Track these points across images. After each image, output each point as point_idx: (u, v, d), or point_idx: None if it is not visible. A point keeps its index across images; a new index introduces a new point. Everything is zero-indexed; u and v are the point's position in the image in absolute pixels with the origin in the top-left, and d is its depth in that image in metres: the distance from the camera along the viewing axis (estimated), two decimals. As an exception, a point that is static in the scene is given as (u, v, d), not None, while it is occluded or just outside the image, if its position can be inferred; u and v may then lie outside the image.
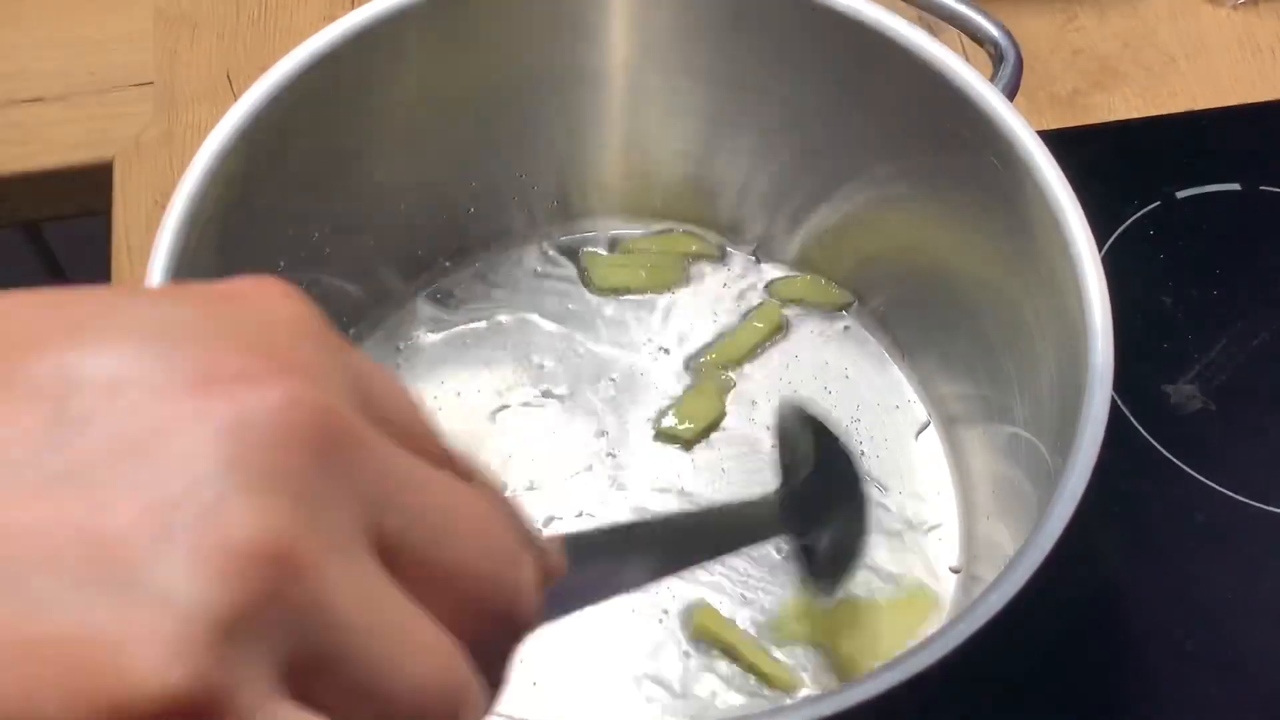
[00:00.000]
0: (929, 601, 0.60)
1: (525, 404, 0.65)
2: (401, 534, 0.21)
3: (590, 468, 0.63)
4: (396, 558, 0.21)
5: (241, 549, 0.19)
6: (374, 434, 0.21)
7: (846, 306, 0.68)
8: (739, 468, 0.64)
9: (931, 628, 0.58)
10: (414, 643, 0.21)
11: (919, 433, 0.65)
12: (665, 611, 0.59)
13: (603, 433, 0.64)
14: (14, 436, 0.19)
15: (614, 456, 0.64)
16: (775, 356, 0.67)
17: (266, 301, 0.22)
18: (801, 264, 0.69)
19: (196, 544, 0.18)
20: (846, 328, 0.68)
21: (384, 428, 0.22)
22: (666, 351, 0.67)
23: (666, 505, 0.62)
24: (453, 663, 0.22)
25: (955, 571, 0.61)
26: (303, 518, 0.19)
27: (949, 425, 0.64)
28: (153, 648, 0.18)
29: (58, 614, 0.18)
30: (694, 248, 0.70)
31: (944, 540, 0.62)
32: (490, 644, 0.23)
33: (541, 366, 0.66)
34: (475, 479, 0.24)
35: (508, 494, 0.25)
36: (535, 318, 0.68)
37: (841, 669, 0.58)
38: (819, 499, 0.55)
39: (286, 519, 0.19)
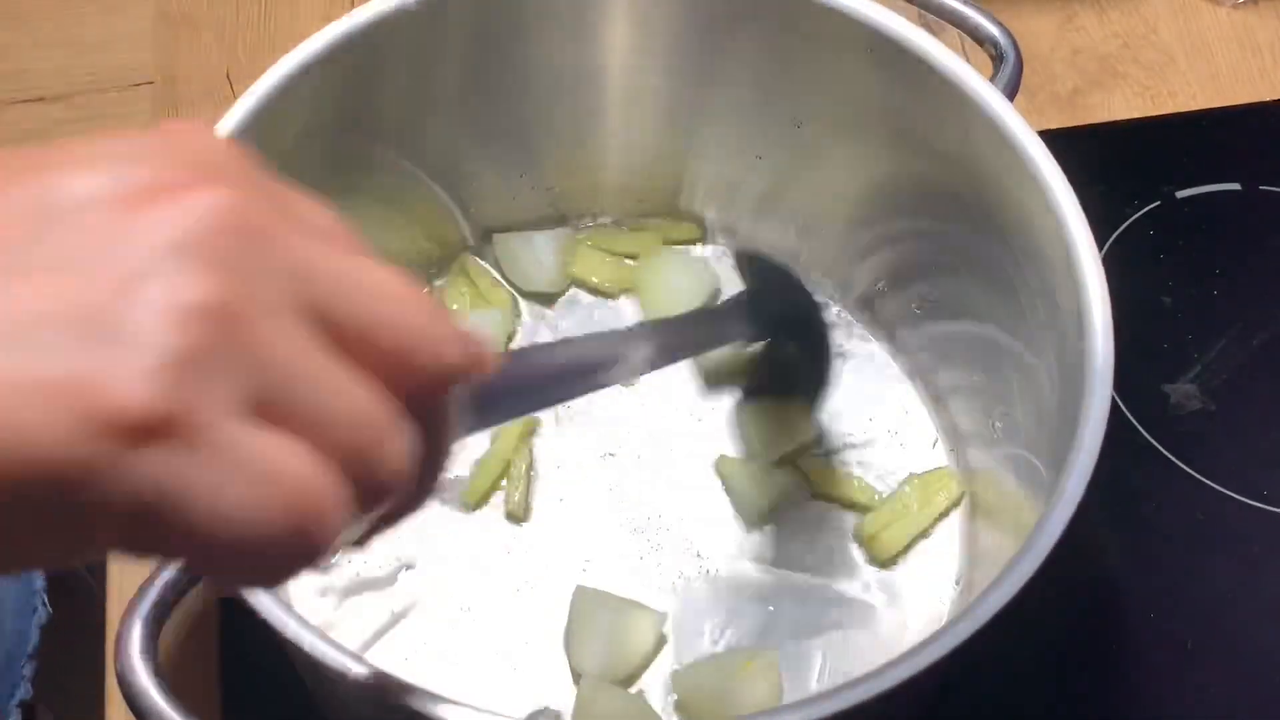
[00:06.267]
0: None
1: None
2: (327, 303, 0.27)
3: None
4: (327, 321, 0.27)
5: (191, 305, 0.25)
6: (292, 228, 0.27)
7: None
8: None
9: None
10: (343, 383, 0.27)
11: (919, 438, 0.65)
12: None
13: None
14: (7, 238, 0.25)
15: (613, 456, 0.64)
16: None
17: (199, 135, 0.28)
18: (797, 260, 0.69)
19: (158, 304, 0.24)
20: (845, 324, 0.68)
21: (304, 228, 0.28)
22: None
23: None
24: (377, 399, 0.27)
25: (957, 582, 0.61)
26: (237, 284, 0.25)
27: (949, 426, 0.64)
28: (129, 376, 0.24)
29: (61, 358, 0.24)
30: (681, 236, 0.70)
31: (945, 540, 0.62)
32: (425, 391, 0.29)
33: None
34: (394, 271, 0.30)
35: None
36: (534, 316, 0.68)
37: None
38: (779, 314, 0.61)
39: (224, 284, 0.25)
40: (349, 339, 0.27)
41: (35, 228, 0.25)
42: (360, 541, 0.33)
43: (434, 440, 0.31)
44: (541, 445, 0.64)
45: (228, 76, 0.75)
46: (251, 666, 0.59)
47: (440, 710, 0.42)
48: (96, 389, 0.24)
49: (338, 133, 0.59)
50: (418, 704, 0.42)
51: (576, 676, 0.58)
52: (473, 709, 0.42)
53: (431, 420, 0.30)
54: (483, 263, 0.69)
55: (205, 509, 0.24)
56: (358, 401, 0.27)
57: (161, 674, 0.45)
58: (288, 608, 0.44)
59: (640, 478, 0.63)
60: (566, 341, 0.49)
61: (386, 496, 0.28)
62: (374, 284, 0.28)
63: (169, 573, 0.47)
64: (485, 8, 0.59)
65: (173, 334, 0.24)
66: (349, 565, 0.60)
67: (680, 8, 0.60)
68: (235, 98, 0.54)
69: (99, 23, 0.77)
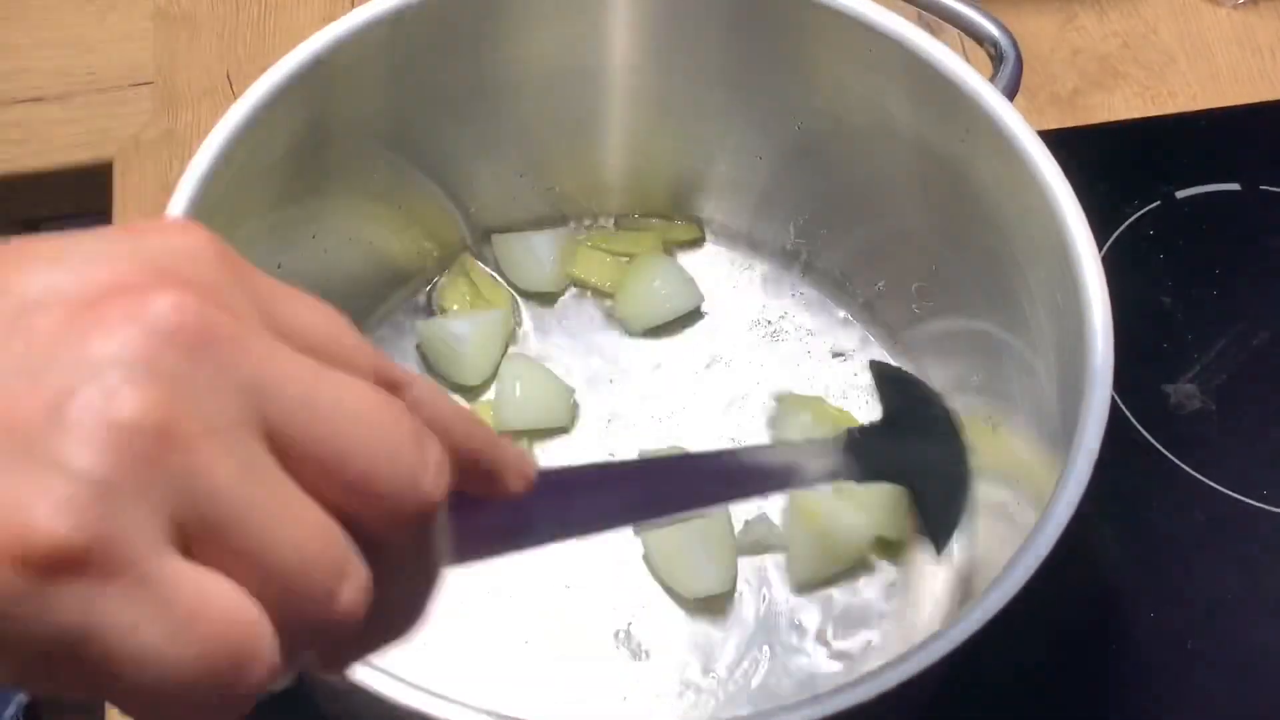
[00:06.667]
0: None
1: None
2: (285, 423, 0.24)
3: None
4: (283, 445, 0.24)
5: (123, 424, 0.22)
6: (261, 338, 0.25)
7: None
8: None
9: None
10: (291, 514, 0.24)
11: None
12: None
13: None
14: None
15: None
16: (775, 361, 0.67)
17: (175, 233, 0.26)
18: (797, 260, 0.69)
19: (86, 423, 0.22)
20: (846, 324, 0.68)
21: (283, 335, 0.25)
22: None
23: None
24: (329, 536, 0.25)
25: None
26: (179, 401, 0.23)
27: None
28: (47, 504, 0.22)
29: None
30: (681, 236, 0.70)
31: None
32: (398, 525, 0.26)
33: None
34: (404, 387, 0.27)
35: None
36: (534, 316, 0.68)
37: None
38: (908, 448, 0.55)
39: (163, 400, 0.23)
40: (305, 466, 0.25)
41: None
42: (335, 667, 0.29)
43: (411, 572, 0.28)
44: (542, 448, 0.64)
45: (228, 76, 0.75)
46: (251, 666, 0.58)
47: (440, 710, 0.42)
48: (12, 516, 0.22)
49: (338, 133, 0.59)
50: (418, 704, 0.42)
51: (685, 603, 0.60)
52: (473, 709, 0.42)
53: (411, 551, 0.27)
54: (482, 264, 0.69)
55: (117, 649, 0.22)
56: (304, 538, 0.24)
57: (161, 674, 0.45)
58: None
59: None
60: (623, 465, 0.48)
61: (334, 641, 0.26)
62: (341, 403, 0.25)
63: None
64: (485, 8, 0.59)
65: (99, 455, 0.22)
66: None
67: (680, 7, 0.61)
68: (235, 98, 0.54)
69: (99, 23, 0.77)
